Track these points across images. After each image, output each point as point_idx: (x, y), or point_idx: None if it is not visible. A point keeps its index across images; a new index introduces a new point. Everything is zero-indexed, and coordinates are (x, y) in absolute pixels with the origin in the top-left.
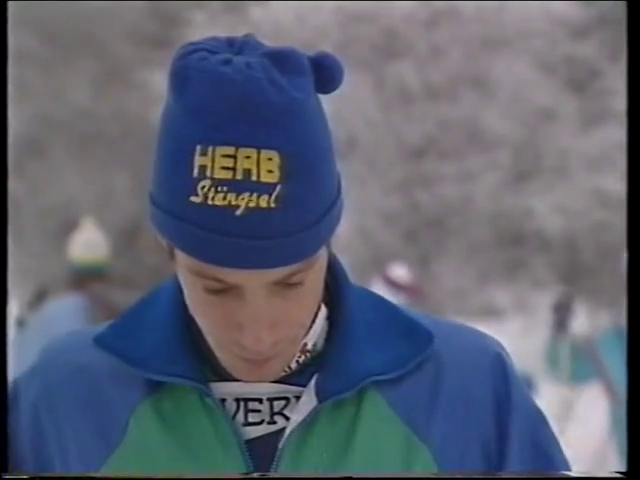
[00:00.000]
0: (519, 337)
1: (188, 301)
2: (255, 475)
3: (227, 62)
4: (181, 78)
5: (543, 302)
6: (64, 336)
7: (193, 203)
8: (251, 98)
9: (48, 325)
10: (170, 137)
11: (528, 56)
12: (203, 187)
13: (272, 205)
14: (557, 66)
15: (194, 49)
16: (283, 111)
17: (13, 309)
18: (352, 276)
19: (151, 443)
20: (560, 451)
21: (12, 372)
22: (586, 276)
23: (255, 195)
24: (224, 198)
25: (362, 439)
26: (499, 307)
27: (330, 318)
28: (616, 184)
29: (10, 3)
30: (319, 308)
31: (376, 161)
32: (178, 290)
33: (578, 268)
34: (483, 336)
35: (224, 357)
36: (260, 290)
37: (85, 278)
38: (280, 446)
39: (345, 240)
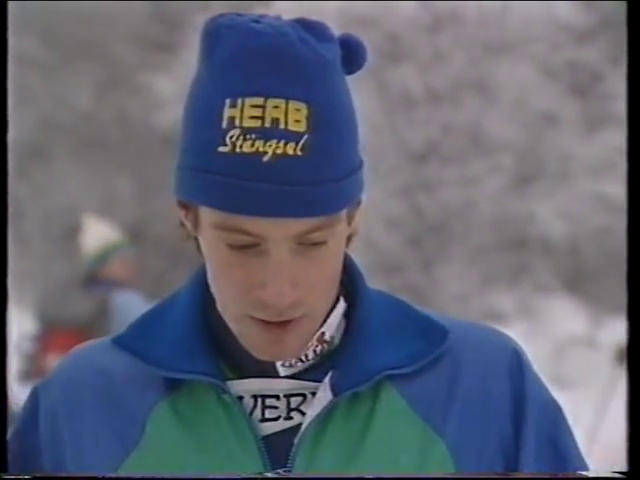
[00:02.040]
0: (522, 342)
1: (211, 268)
2: (269, 475)
3: (257, 21)
4: (212, 37)
5: (546, 307)
6: (85, 342)
7: (221, 153)
8: (281, 50)
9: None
10: (199, 97)
11: (531, 60)
12: (232, 136)
13: (299, 153)
14: (560, 70)
15: (223, 14)
16: (312, 66)
17: (17, 314)
18: None
19: (168, 442)
20: (575, 446)
21: None
22: (589, 281)
23: (283, 142)
24: (252, 145)
25: (378, 433)
26: (502, 312)
27: (347, 316)
28: (619, 189)
29: (10, 5)
30: (338, 300)
31: (379, 166)
32: (196, 290)
33: (581, 273)
34: (499, 333)
35: (243, 331)
36: (284, 245)
37: (108, 266)
38: (296, 441)
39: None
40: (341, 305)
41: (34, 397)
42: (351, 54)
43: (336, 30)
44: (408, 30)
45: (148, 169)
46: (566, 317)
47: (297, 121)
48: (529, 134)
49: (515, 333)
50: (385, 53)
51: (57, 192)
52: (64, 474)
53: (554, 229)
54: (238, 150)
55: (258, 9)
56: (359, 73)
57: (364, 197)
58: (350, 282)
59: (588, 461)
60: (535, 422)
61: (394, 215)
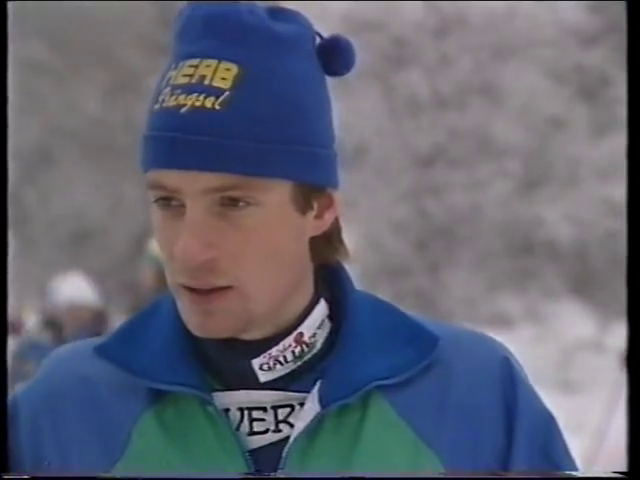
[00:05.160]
0: (529, 346)
1: (155, 236)
2: (258, 475)
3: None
4: (177, 15)
5: (554, 311)
6: (65, 347)
7: (153, 111)
8: (223, 16)
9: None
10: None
11: (537, 64)
12: (164, 94)
13: (216, 107)
14: (567, 74)
15: None
16: (253, 32)
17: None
18: (361, 285)
19: (154, 453)
20: (568, 455)
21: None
22: (597, 285)
23: (203, 96)
24: (175, 99)
25: (367, 445)
26: (509, 316)
27: (334, 321)
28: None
29: (18, 11)
30: (318, 300)
31: (385, 170)
32: None
33: (589, 277)
34: (491, 340)
35: (179, 304)
36: (199, 202)
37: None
38: (284, 454)
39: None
40: (322, 306)
41: (13, 404)
42: (328, 53)
43: (341, 34)
44: (414, 34)
45: None
46: (573, 321)
47: (223, 79)
48: (536, 138)
49: (522, 337)
50: (391, 57)
51: (65, 197)
52: (64, 474)
53: (561, 233)
54: (164, 105)
55: None
56: (365, 78)
57: (370, 201)
58: (338, 287)
59: (594, 464)
60: (527, 431)
61: (401, 219)
